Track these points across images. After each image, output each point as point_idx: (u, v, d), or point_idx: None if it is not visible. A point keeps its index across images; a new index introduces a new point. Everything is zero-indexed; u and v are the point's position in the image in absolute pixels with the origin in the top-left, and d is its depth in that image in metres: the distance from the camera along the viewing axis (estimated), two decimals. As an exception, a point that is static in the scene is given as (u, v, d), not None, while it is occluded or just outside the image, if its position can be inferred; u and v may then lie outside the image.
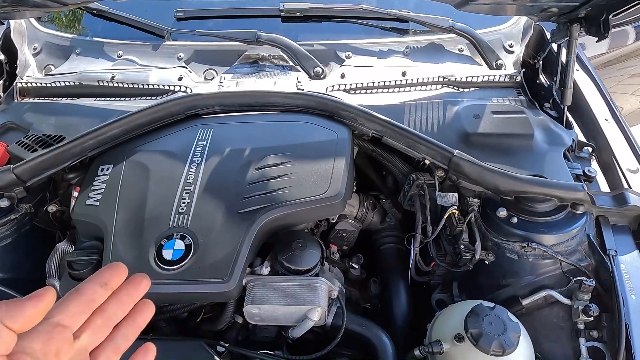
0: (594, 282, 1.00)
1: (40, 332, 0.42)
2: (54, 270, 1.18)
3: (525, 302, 1.06)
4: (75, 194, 1.18)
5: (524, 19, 1.61)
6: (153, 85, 1.46)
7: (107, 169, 1.15)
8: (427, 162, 1.20)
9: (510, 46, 1.60)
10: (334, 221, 1.29)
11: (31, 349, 0.41)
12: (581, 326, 1.00)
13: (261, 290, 0.97)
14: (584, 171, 1.20)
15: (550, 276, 1.07)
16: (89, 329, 0.46)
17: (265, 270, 1.02)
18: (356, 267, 1.28)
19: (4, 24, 1.59)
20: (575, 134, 1.31)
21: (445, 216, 1.15)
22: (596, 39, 1.17)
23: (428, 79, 1.45)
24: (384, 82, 1.44)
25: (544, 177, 1.12)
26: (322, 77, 1.47)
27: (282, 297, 0.96)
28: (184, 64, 1.53)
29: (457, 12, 1.24)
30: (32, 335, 0.41)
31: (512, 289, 1.10)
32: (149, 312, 0.52)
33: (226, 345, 0.94)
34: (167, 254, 0.95)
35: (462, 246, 1.13)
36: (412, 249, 1.19)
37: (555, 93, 1.41)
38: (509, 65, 1.55)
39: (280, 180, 1.06)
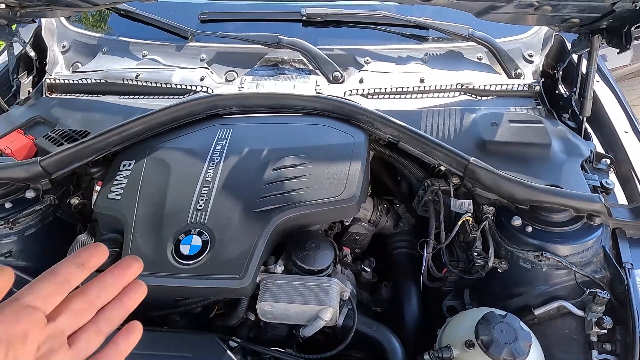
0: (609, 295, 0.99)
1: (6, 314, 0.39)
2: (74, 261, 1.21)
3: (537, 312, 1.05)
4: (98, 187, 1.22)
5: (545, 28, 1.60)
6: (176, 84, 1.50)
7: (129, 165, 1.18)
8: (442, 168, 1.20)
9: (530, 56, 1.60)
10: (347, 224, 1.30)
11: None
12: (594, 338, 1.00)
13: (275, 288, 0.99)
14: (601, 183, 1.19)
15: (564, 287, 1.07)
16: (66, 311, 0.43)
17: (279, 268, 1.04)
18: (368, 270, 1.29)
19: (36, 23, 1.65)
20: (594, 145, 1.30)
21: (460, 223, 1.15)
22: (618, 50, 1.17)
23: (446, 86, 1.46)
24: (402, 88, 1.46)
25: (561, 187, 1.12)
26: (340, 81, 1.49)
27: (295, 295, 0.98)
28: (206, 65, 1.57)
29: (476, 20, 1.24)
30: None
31: (524, 298, 1.10)
32: (139, 293, 0.48)
33: (239, 340, 0.96)
34: (185, 249, 0.98)
35: (475, 253, 1.13)
36: (425, 255, 1.19)
37: (574, 104, 1.40)
38: (528, 74, 1.55)
39: (296, 181, 1.08)
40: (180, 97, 1.47)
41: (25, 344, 0.39)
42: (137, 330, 0.48)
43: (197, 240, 0.99)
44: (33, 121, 1.40)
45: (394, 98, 1.45)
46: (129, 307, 0.48)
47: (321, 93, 1.42)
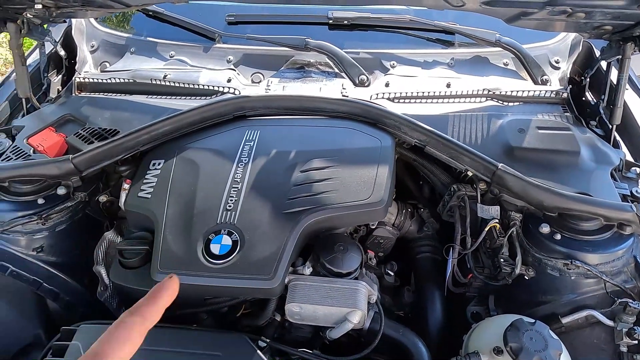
0: (640, 305, 0.98)
1: None
2: (100, 257, 1.23)
3: (565, 320, 1.05)
4: (126, 186, 1.23)
5: (572, 35, 1.59)
6: (203, 85, 1.51)
7: (159, 164, 1.19)
8: (469, 173, 1.20)
9: (557, 62, 1.59)
10: (373, 227, 1.30)
11: None
12: (624, 349, 0.99)
13: (303, 290, 0.99)
14: (631, 192, 1.18)
15: (593, 296, 1.06)
16: None
17: (307, 270, 1.04)
18: (391, 274, 1.29)
19: (66, 22, 1.68)
20: (623, 154, 1.28)
21: (487, 229, 1.14)
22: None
23: (472, 91, 1.46)
24: (428, 92, 1.45)
25: (590, 196, 1.11)
26: (366, 84, 1.49)
27: (323, 297, 0.98)
28: (232, 67, 1.58)
29: (502, 25, 1.24)
30: None
31: (551, 306, 1.09)
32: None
33: (267, 340, 0.96)
34: (215, 249, 0.98)
35: (502, 260, 1.13)
36: (450, 260, 1.19)
37: (602, 111, 1.39)
38: (555, 81, 1.53)
39: (324, 184, 1.09)
40: (207, 98, 1.48)
41: None
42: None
43: (227, 240, 1.00)
44: (64, 119, 1.42)
45: (420, 102, 1.45)
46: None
47: (347, 96, 1.43)
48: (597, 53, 1.50)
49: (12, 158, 1.28)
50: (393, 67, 1.55)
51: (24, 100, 1.49)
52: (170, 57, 1.64)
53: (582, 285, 1.07)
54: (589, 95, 1.50)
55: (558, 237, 1.09)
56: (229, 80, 1.51)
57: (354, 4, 1.49)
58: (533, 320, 0.96)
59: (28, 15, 1.30)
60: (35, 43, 1.70)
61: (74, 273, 1.23)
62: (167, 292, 0.47)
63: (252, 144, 1.19)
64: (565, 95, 1.45)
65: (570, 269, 1.06)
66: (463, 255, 1.19)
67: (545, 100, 1.46)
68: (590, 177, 1.18)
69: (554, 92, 1.46)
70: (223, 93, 1.49)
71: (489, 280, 1.17)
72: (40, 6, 1.21)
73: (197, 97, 1.49)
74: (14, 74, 1.50)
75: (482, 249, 1.22)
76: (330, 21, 1.59)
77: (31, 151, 1.30)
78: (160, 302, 0.46)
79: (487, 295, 1.21)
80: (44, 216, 1.17)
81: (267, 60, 1.58)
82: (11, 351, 1.11)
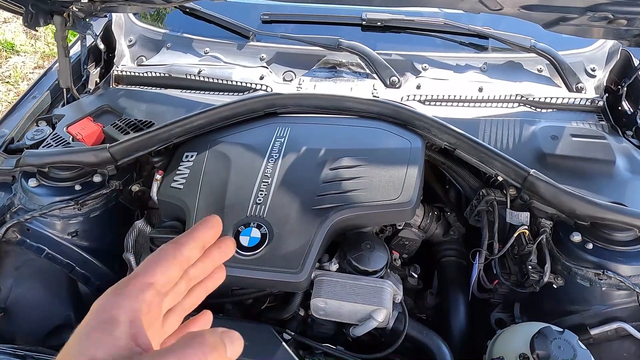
0: (674, 320, 0.96)
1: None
2: (130, 245, 1.27)
3: (593, 331, 1.03)
4: (158, 176, 1.27)
5: (610, 43, 1.56)
6: (236, 82, 1.54)
7: (192, 156, 1.22)
8: (499, 178, 1.19)
9: (593, 70, 1.56)
10: (400, 228, 1.30)
11: None
12: (655, 364, 0.96)
13: (329, 286, 1.00)
14: None
15: (624, 308, 1.04)
16: (173, 291, 0.42)
17: (334, 266, 1.05)
18: (415, 276, 1.28)
19: (107, 17, 1.74)
20: (661, 165, 1.25)
21: (515, 235, 1.13)
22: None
23: (505, 96, 1.44)
24: (460, 96, 1.45)
25: (625, 206, 1.09)
26: (397, 86, 1.49)
27: (349, 294, 0.99)
28: (265, 65, 1.61)
29: (534, 30, 1.22)
30: None
31: (579, 316, 1.07)
32: (220, 278, 0.48)
33: (292, 333, 0.98)
34: (244, 240, 1.00)
35: (530, 267, 1.12)
36: (477, 265, 1.18)
37: (639, 121, 1.36)
38: (590, 89, 1.51)
39: (353, 182, 1.09)
40: (239, 94, 1.51)
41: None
42: (209, 319, 0.47)
43: (256, 233, 1.01)
44: (101, 110, 1.47)
45: (452, 106, 1.44)
46: (209, 289, 0.47)
47: (378, 97, 1.43)
48: (636, 62, 1.47)
49: (52, 145, 1.33)
50: (425, 69, 1.55)
51: (64, 90, 1.54)
52: (205, 53, 1.67)
53: (612, 296, 1.05)
54: (625, 105, 1.47)
55: (590, 246, 1.07)
56: (261, 78, 1.54)
57: (388, 5, 1.50)
58: (561, 329, 0.95)
59: (74, 8, 1.35)
60: (75, 36, 1.76)
61: (105, 258, 1.27)
62: (205, 225, 0.45)
63: (282, 140, 1.21)
64: (600, 103, 1.43)
65: (601, 280, 1.04)
66: (489, 261, 1.18)
67: (580, 108, 1.43)
68: (625, 187, 1.16)
69: (589, 100, 1.43)
70: (255, 90, 1.52)
71: (516, 287, 1.16)
72: (86, 0, 1.26)
73: (230, 93, 1.52)
74: (56, 65, 1.56)
75: (509, 255, 1.21)
76: (364, 22, 1.60)
77: (70, 139, 1.35)
78: (195, 233, 0.44)
79: (512, 302, 1.20)
80: (80, 202, 1.21)
81: (300, 59, 1.60)
82: (44, 330, 1.15)
